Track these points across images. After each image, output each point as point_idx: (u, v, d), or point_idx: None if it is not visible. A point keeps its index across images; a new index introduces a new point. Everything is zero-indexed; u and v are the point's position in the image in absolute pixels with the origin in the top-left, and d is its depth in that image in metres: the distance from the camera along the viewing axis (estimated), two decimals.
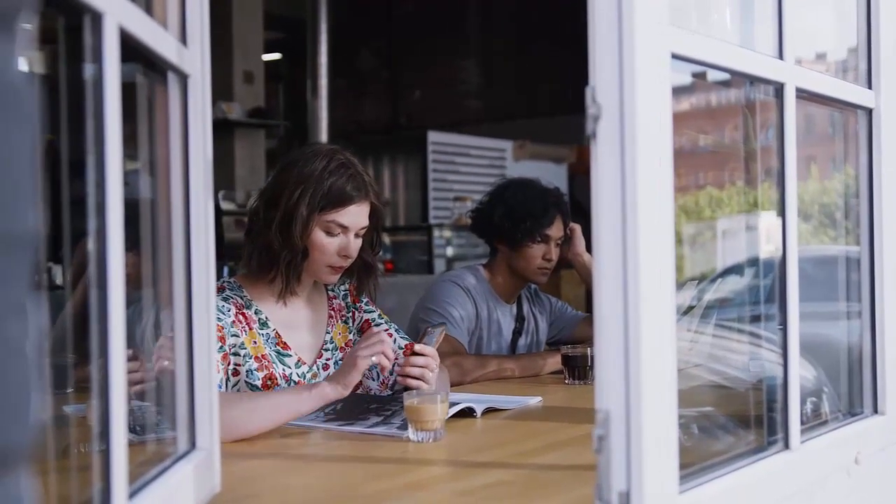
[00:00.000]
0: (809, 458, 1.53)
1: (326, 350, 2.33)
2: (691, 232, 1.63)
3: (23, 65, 0.62)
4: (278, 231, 2.16)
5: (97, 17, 0.97)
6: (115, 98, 1.00)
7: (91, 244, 0.99)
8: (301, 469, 1.74)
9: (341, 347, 2.35)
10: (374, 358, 1.98)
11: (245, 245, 2.25)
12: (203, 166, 1.36)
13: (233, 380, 2.14)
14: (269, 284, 2.24)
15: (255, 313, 2.23)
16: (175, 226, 1.33)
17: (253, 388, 2.16)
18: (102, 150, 0.98)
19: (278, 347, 2.23)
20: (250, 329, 2.19)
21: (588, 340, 2.93)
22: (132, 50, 1.09)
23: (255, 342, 2.19)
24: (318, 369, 2.29)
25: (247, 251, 2.24)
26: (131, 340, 1.04)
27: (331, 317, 2.37)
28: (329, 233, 2.19)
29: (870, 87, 1.78)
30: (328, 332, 2.35)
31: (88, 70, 0.99)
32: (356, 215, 2.21)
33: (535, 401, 2.34)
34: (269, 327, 2.23)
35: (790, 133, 1.50)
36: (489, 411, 2.18)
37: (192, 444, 1.35)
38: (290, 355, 2.24)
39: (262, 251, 2.20)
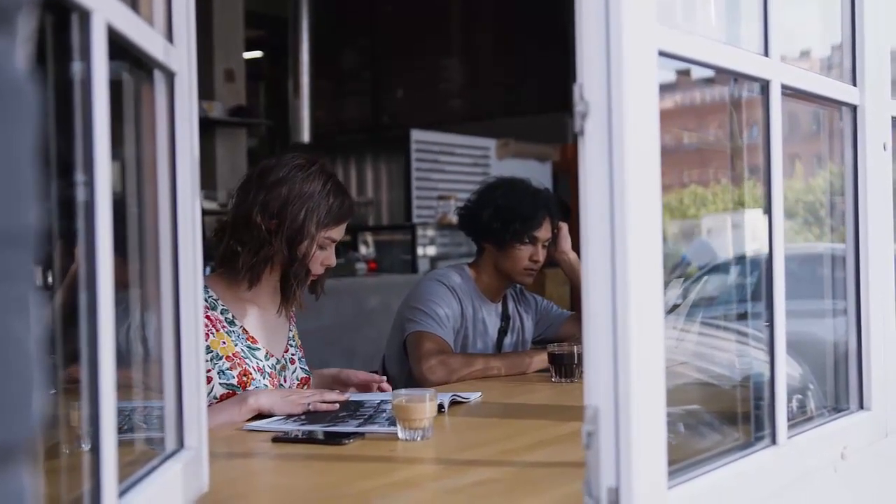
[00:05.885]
0: (796, 453, 1.54)
1: (291, 346, 2.43)
2: (675, 230, 1.64)
3: (22, 62, 0.61)
4: (286, 247, 2.23)
5: (85, 15, 0.97)
6: (102, 96, 0.99)
7: (79, 244, 0.98)
8: (289, 468, 1.73)
9: (299, 346, 2.47)
10: (310, 406, 2.11)
11: (242, 254, 2.24)
12: (190, 165, 1.35)
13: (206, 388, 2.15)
14: (247, 290, 2.29)
15: (221, 313, 2.27)
16: (162, 225, 1.32)
17: (229, 387, 2.17)
18: (91, 148, 0.97)
19: (248, 342, 2.29)
20: (217, 330, 2.22)
21: (574, 339, 2.94)
22: (118, 47, 1.08)
23: (223, 342, 2.23)
24: (286, 362, 2.38)
25: (245, 260, 2.24)
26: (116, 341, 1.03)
27: (291, 317, 2.46)
28: (322, 247, 2.29)
29: (854, 84, 1.79)
30: (291, 330, 2.45)
31: (76, 67, 0.99)
32: (344, 229, 2.34)
33: (475, 396, 2.35)
34: (236, 325, 2.28)
35: (776, 130, 1.50)
36: (454, 404, 2.22)
37: (181, 444, 1.34)
38: (259, 348, 2.30)
39: (263, 262, 2.25)
